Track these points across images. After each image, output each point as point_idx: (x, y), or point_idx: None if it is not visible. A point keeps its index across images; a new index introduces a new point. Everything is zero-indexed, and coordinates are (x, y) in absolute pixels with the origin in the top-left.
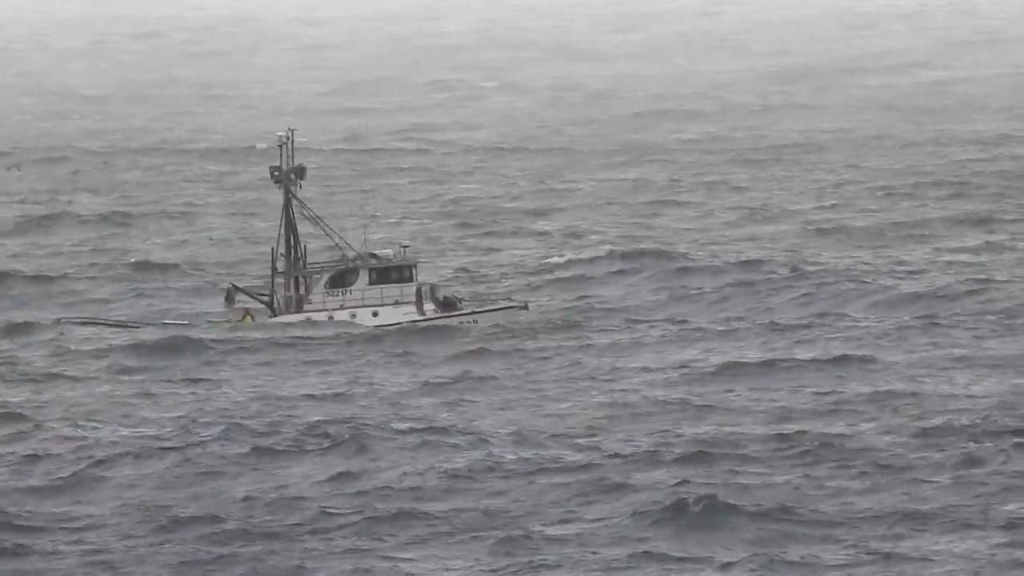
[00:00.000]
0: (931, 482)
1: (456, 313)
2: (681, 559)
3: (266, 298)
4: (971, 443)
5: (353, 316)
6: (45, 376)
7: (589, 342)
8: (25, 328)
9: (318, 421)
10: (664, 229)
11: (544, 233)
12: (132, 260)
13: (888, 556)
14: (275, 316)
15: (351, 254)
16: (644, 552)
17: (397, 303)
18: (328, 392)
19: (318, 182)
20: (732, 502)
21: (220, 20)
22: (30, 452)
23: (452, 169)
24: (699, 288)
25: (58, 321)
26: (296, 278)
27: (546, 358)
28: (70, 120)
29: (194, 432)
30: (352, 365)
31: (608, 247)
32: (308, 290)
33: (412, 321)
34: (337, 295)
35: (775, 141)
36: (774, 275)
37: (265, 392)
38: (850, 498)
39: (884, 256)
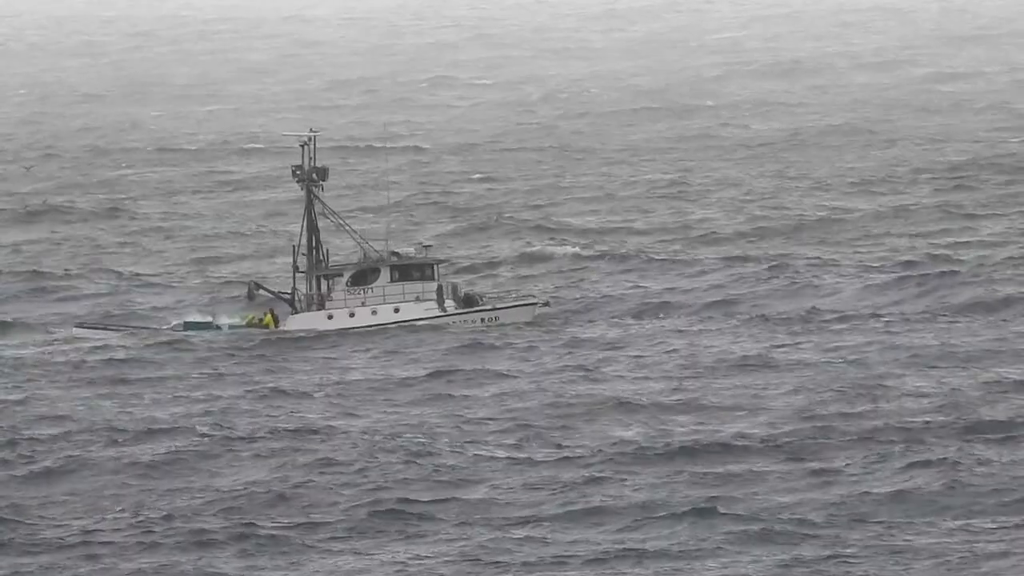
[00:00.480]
0: (921, 477)
1: (476, 309)
2: (673, 556)
3: (287, 295)
4: (963, 437)
5: (374, 312)
6: (37, 372)
7: (581, 336)
8: (17, 324)
9: (307, 416)
10: (656, 224)
11: (536, 228)
12: (127, 257)
13: (878, 552)
14: (297, 313)
15: (373, 253)
16: (632, 549)
17: (418, 299)
18: (319, 388)
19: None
20: (723, 496)
21: (214, 18)
22: (14, 446)
23: (444, 166)
24: (688, 283)
25: (74, 326)
26: (318, 277)
27: (535, 351)
28: (64, 117)
29: (182, 427)
30: (347, 362)
31: (599, 243)
32: (330, 288)
33: (433, 317)
34: (359, 293)
35: (767, 137)
36: (765, 271)
37: (258, 388)
38: (841, 491)
39: (875, 252)
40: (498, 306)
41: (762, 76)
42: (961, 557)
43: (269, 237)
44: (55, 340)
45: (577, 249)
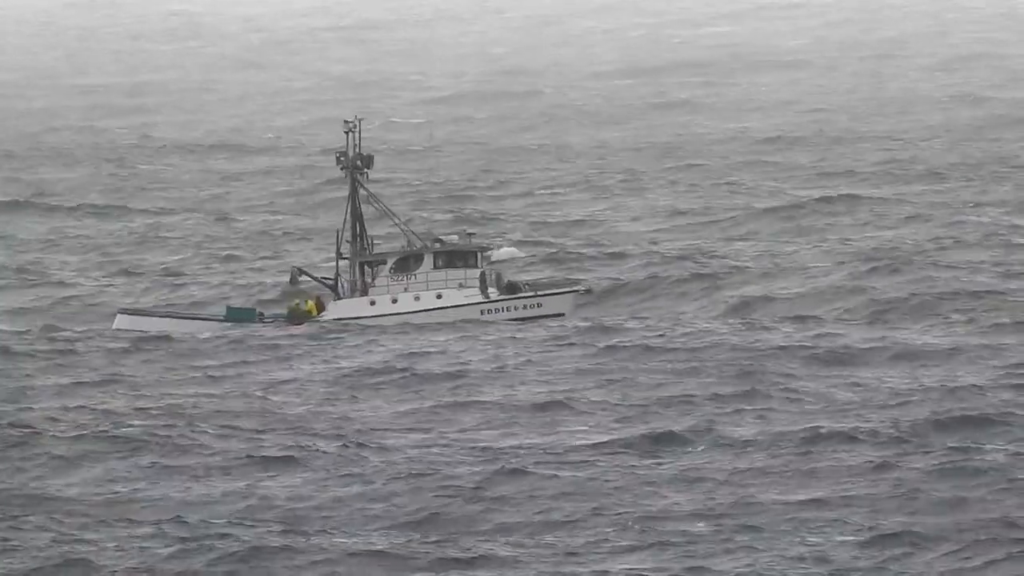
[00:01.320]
0: (912, 471)
1: (519, 296)
2: (667, 551)
3: (330, 281)
4: (956, 433)
5: (417, 298)
6: (34, 369)
7: (574, 330)
8: (21, 315)
9: (297, 414)
10: (649, 216)
11: (530, 223)
12: (150, 250)
13: (869, 546)
14: (339, 299)
15: (416, 241)
16: (626, 545)
17: (461, 286)
18: (301, 379)
19: (311, 176)
20: (716, 491)
21: (208, 12)
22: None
23: (439, 163)
24: (681, 276)
25: (118, 312)
26: (362, 263)
27: (527, 346)
28: (62, 115)
29: (177, 425)
30: (344, 354)
31: (592, 236)
32: (374, 275)
33: (475, 303)
34: (402, 279)
35: (762, 131)
36: (757, 265)
37: (255, 382)
38: (830, 486)
39: (867, 245)
40: (540, 292)
41: (760, 71)
42: (957, 553)
43: (267, 228)
44: (58, 336)
45: (568, 242)
